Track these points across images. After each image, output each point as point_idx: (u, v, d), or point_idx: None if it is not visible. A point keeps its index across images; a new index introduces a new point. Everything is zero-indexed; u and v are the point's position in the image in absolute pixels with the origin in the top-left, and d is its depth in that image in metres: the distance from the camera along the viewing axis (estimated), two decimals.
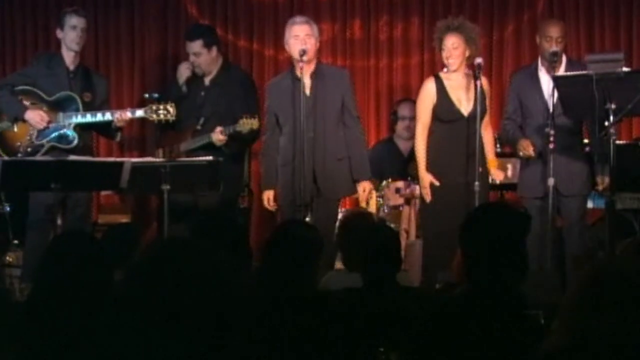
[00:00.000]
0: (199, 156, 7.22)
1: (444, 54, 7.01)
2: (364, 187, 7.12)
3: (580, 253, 6.90)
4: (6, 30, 9.36)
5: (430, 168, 7.03)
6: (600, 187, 6.92)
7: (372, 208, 7.69)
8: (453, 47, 6.96)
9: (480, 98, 6.87)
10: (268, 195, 7.15)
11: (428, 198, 6.97)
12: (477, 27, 7.29)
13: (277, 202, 7.12)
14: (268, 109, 7.20)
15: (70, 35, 7.35)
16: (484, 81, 7.04)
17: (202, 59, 7.60)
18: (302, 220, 5.91)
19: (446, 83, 7.08)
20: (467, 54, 7.02)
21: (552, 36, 6.88)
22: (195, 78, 7.73)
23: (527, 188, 7.01)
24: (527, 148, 6.90)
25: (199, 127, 7.52)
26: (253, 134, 7.36)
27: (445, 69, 7.12)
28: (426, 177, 6.99)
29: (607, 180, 6.79)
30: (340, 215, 7.24)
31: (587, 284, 2.34)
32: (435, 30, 7.21)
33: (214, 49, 7.66)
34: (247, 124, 7.13)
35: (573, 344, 2.29)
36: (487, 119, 7.13)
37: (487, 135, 7.13)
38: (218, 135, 7.29)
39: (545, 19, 7.69)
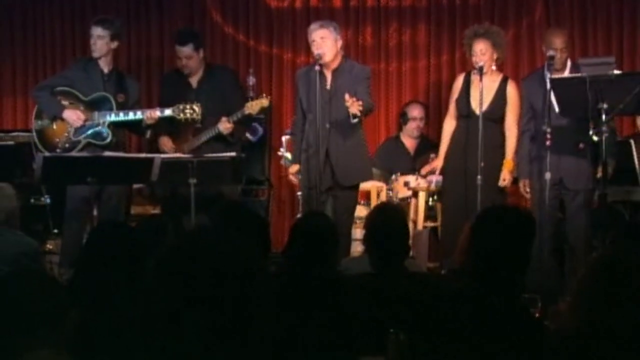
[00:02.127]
0: (204, 151, 7.26)
1: (474, 59, 7.09)
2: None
3: (582, 243, 6.88)
4: (46, 36, 9.40)
5: (448, 158, 7.30)
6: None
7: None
8: (481, 53, 7.05)
9: (497, 100, 7.11)
10: (292, 170, 7.25)
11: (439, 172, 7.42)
12: (502, 31, 7.40)
13: (299, 185, 7.23)
14: (296, 95, 7.29)
15: (90, 43, 7.40)
16: (511, 86, 7.15)
17: (192, 61, 7.63)
18: (321, 213, 5.91)
19: (472, 82, 7.15)
20: (494, 56, 7.07)
21: (557, 47, 6.86)
22: (180, 82, 7.73)
23: (536, 180, 6.99)
24: (523, 190, 7.09)
25: (198, 126, 7.49)
26: (265, 112, 7.58)
27: (475, 71, 7.18)
28: (440, 162, 7.38)
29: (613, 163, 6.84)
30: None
31: (602, 272, 2.30)
32: (464, 36, 7.31)
33: (201, 51, 7.72)
34: (256, 105, 7.26)
35: (587, 328, 2.27)
36: (510, 121, 7.21)
37: (509, 136, 7.20)
38: (225, 124, 7.34)
39: (549, 29, 7.62)
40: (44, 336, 2.27)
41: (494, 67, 7.13)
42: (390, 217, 4.61)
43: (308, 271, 3.87)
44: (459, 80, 7.35)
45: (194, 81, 7.70)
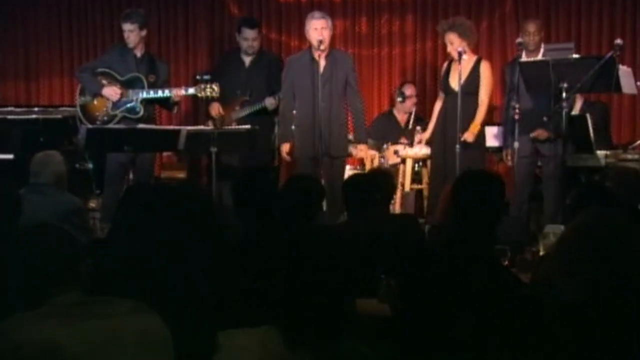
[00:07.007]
0: (248, 122, 7.24)
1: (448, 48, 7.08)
2: (361, 149, 7.36)
3: (555, 202, 6.87)
4: (88, 25, 9.38)
5: (435, 129, 7.29)
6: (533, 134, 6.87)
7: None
8: (450, 43, 7.01)
9: (472, 77, 7.01)
10: (285, 148, 7.19)
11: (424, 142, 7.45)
12: (466, 21, 7.29)
13: (293, 155, 7.16)
14: (286, 78, 7.21)
15: (125, 37, 7.36)
16: (484, 65, 7.09)
17: (257, 42, 7.74)
18: (307, 175, 5.90)
19: (452, 65, 7.18)
20: (464, 43, 7.00)
21: (530, 31, 6.93)
22: (236, 60, 7.79)
23: (518, 149, 6.92)
24: (506, 159, 7.06)
25: (247, 98, 7.61)
26: None
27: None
28: (427, 135, 7.42)
29: (540, 132, 6.80)
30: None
31: (579, 230, 2.43)
32: (439, 29, 7.28)
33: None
34: None
35: (564, 270, 2.39)
36: (482, 94, 7.07)
37: (480, 104, 7.07)
38: (271, 101, 7.46)
39: (526, 20, 7.59)
40: (69, 281, 2.31)
41: (466, 50, 7.02)
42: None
43: (293, 224, 3.86)
44: (444, 67, 7.36)
45: (247, 60, 7.76)
